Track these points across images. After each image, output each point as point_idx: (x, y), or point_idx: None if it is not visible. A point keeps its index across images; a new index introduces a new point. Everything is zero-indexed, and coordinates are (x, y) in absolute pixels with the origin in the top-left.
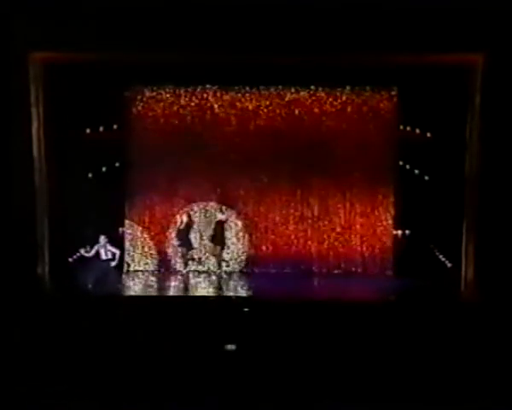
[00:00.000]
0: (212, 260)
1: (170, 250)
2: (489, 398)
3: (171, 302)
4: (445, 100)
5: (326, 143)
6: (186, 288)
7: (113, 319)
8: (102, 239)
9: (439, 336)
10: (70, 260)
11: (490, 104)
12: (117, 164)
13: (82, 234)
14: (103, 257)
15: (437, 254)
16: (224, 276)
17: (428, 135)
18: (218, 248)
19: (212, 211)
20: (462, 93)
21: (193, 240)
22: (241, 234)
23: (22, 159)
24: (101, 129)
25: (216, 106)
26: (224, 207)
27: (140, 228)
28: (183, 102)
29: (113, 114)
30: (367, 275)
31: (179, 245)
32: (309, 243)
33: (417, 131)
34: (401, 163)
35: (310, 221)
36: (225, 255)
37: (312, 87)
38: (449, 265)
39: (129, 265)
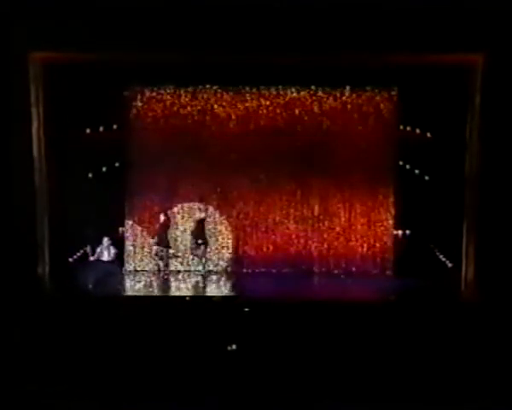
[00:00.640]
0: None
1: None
2: (489, 398)
3: (171, 302)
4: (445, 100)
5: (326, 143)
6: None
7: (113, 320)
8: (106, 241)
9: (440, 336)
10: (70, 260)
11: (490, 104)
12: (117, 164)
13: (82, 234)
14: (106, 258)
15: (437, 254)
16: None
17: (428, 135)
18: (201, 247)
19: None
20: (462, 93)
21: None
22: (240, 234)
23: (22, 159)
24: (101, 129)
25: (216, 106)
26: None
27: (140, 228)
28: (183, 102)
29: (113, 114)
30: (367, 275)
31: (157, 244)
32: (309, 242)
33: (417, 131)
34: (401, 163)
35: (310, 221)
36: (226, 256)
37: (312, 87)
38: (449, 265)
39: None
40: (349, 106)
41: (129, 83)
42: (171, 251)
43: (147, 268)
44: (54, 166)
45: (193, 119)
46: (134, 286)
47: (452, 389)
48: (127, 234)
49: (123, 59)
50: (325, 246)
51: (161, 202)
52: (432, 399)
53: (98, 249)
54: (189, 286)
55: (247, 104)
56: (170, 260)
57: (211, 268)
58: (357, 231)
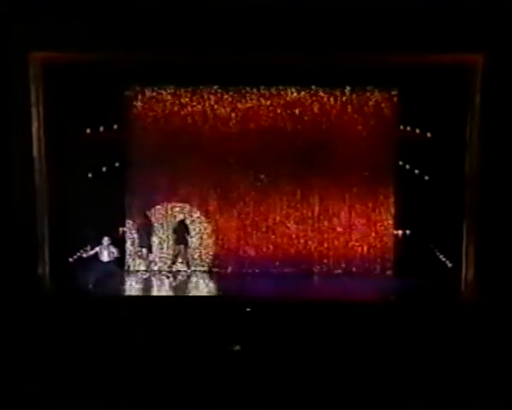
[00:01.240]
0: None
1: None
2: (489, 398)
3: (171, 302)
4: (446, 100)
5: (326, 143)
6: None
7: (113, 319)
8: (106, 240)
9: (440, 336)
10: (70, 260)
11: (490, 104)
12: (117, 164)
13: (82, 234)
14: (106, 259)
15: (437, 254)
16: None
17: (428, 135)
18: (182, 247)
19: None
20: (462, 93)
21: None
22: (240, 234)
23: (22, 159)
24: (101, 129)
25: (216, 106)
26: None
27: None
28: (183, 102)
29: (113, 114)
30: (367, 275)
31: (141, 245)
32: (309, 242)
33: (417, 131)
34: (401, 163)
35: (310, 221)
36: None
37: (312, 87)
38: (449, 265)
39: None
40: (349, 106)
41: (129, 83)
42: (151, 254)
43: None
44: (54, 166)
45: (193, 119)
46: (134, 286)
47: (452, 389)
48: (127, 234)
49: (123, 59)
50: (325, 246)
51: (161, 202)
52: (432, 399)
53: (97, 249)
54: (189, 286)
55: (247, 104)
56: (150, 262)
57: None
58: (358, 231)
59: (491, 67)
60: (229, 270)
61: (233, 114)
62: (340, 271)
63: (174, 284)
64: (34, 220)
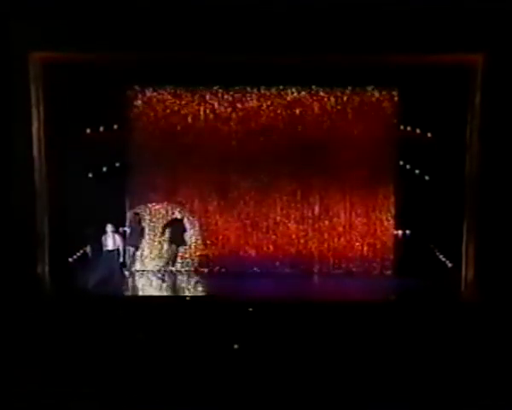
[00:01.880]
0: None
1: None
2: (489, 398)
3: (171, 302)
4: (446, 100)
5: (326, 143)
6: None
7: (113, 319)
8: (109, 228)
9: (440, 336)
10: (70, 260)
11: (490, 104)
12: (117, 164)
13: (82, 234)
14: (110, 247)
15: (437, 254)
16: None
17: (429, 135)
18: (174, 247)
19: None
20: (463, 93)
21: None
22: (241, 234)
23: (22, 159)
24: (101, 129)
25: (216, 106)
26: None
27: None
28: (183, 102)
29: (113, 114)
30: (367, 275)
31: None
32: (309, 242)
33: (418, 131)
34: (401, 163)
35: (310, 221)
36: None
37: (313, 87)
38: (449, 265)
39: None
40: (349, 106)
41: (129, 83)
42: (138, 252)
43: (148, 268)
44: (54, 166)
45: (193, 119)
46: (135, 286)
47: (452, 389)
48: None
49: (123, 59)
50: (325, 246)
51: (161, 202)
52: (432, 399)
53: (102, 238)
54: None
55: (247, 104)
56: (136, 261)
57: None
58: (358, 231)
59: (491, 67)
60: (229, 270)
61: (233, 114)
62: (340, 271)
63: (174, 284)
64: (34, 220)
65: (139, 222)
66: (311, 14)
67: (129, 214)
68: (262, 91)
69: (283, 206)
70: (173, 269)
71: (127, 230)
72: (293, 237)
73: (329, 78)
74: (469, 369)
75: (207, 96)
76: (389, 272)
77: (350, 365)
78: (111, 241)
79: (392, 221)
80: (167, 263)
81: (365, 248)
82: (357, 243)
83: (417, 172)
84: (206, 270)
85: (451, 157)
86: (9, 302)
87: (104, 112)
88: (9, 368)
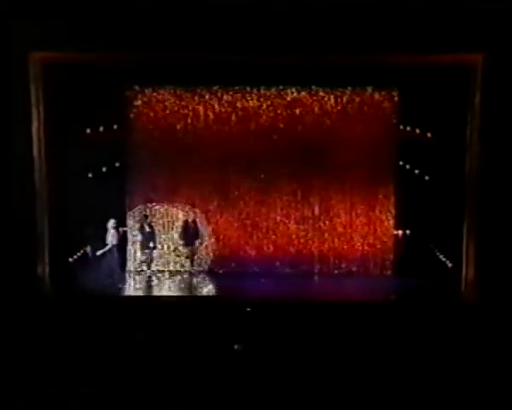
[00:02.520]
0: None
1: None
2: (489, 398)
3: (171, 302)
4: (446, 100)
5: (326, 143)
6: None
7: (113, 319)
8: (111, 223)
9: (440, 336)
10: (70, 260)
11: (490, 104)
12: (117, 164)
13: (82, 234)
14: (111, 241)
15: (437, 254)
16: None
17: (429, 135)
18: (190, 247)
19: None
20: (463, 93)
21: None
22: (241, 234)
23: (22, 159)
24: (101, 129)
25: (216, 106)
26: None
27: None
28: (183, 102)
29: (113, 114)
30: (367, 275)
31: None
32: (309, 242)
33: (417, 131)
34: (401, 163)
35: (310, 221)
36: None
37: (313, 87)
38: (449, 265)
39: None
40: (349, 106)
41: (129, 83)
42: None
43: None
44: (54, 166)
45: (193, 119)
46: (134, 286)
47: (452, 389)
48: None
49: (123, 59)
50: (325, 246)
51: (161, 202)
52: (432, 399)
53: (107, 235)
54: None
55: (247, 104)
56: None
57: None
58: (358, 231)
59: (491, 67)
60: (230, 270)
61: (233, 114)
62: (340, 271)
63: (174, 284)
64: (34, 220)
65: (150, 224)
66: (311, 14)
67: (138, 217)
68: (262, 91)
69: (283, 206)
70: (191, 269)
71: (138, 232)
72: (294, 237)
73: (329, 78)
74: (469, 369)
75: (207, 96)
76: (389, 272)
77: (350, 365)
78: (111, 237)
79: (392, 221)
80: (192, 263)
81: (365, 248)
82: (358, 243)
83: (417, 172)
84: (205, 270)
85: (451, 157)
86: (9, 302)
87: (104, 112)
88: (9, 368)
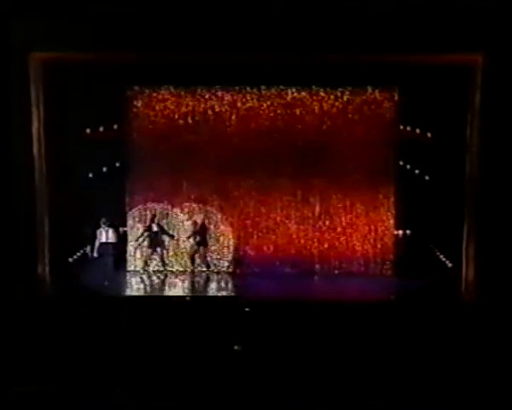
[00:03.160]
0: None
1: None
2: (489, 398)
3: (171, 302)
4: (446, 100)
5: (326, 143)
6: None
7: (113, 320)
8: (102, 221)
9: (440, 336)
10: (70, 260)
11: (490, 104)
12: (117, 164)
13: (82, 234)
14: (103, 239)
15: (437, 254)
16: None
17: (429, 135)
18: (202, 248)
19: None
20: (463, 93)
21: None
22: (241, 234)
23: (22, 159)
24: (101, 129)
25: (216, 106)
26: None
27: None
28: (183, 102)
29: (113, 114)
30: (367, 275)
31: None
32: (309, 242)
33: (418, 131)
34: (401, 163)
35: (310, 221)
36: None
37: (313, 87)
38: (449, 265)
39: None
40: (349, 106)
41: (129, 83)
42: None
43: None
44: (54, 166)
45: (193, 119)
46: (135, 286)
47: (452, 389)
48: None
49: (123, 59)
50: (325, 246)
51: (162, 202)
52: (431, 399)
53: (98, 232)
54: (190, 287)
55: (247, 104)
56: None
57: (211, 269)
58: (358, 231)
59: (490, 67)
60: (230, 270)
61: (233, 114)
62: (340, 271)
63: (174, 284)
64: (34, 220)
65: (159, 225)
66: (311, 13)
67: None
68: (262, 91)
69: (283, 206)
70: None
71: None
72: (294, 237)
73: (329, 78)
74: (469, 369)
75: (207, 96)
76: (389, 272)
77: (350, 365)
78: (105, 234)
79: (392, 221)
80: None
81: (365, 248)
82: (358, 243)
83: (417, 172)
84: (205, 270)
85: (451, 157)
86: (9, 302)
87: (104, 112)
88: (9, 368)
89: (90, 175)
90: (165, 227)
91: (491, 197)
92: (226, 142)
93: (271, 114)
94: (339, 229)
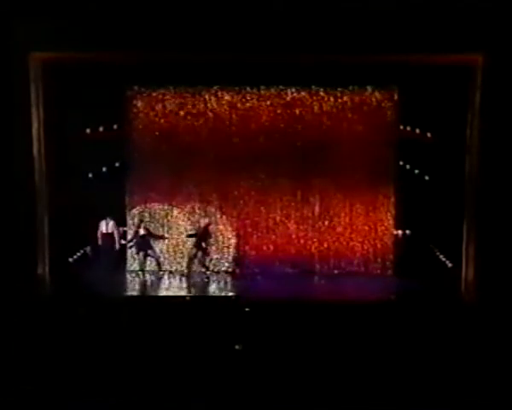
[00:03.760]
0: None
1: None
2: (489, 398)
3: (171, 302)
4: (446, 100)
5: (326, 143)
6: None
7: (113, 320)
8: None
9: (439, 336)
10: (70, 260)
11: (490, 104)
12: (117, 164)
13: (82, 234)
14: (104, 230)
15: (437, 254)
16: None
17: (429, 135)
18: (200, 253)
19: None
20: (463, 93)
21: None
22: (241, 234)
23: (22, 159)
24: (101, 129)
25: (216, 106)
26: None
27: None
28: (183, 102)
29: (113, 114)
30: (367, 275)
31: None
32: (309, 243)
33: (417, 131)
34: (401, 163)
35: (310, 221)
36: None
37: (313, 87)
38: (449, 265)
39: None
40: (349, 106)
41: (129, 83)
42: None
43: (148, 268)
44: (54, 166)
45: (193, 119)
46: (135, 286)
47: (452, 389)
48: (128, 234)
49: (123, 59)
50: (325, 246)
51: (162, 202)
52: (431, 399)
53: (100, 223)
54: (190, 286)
55: (247, 104)
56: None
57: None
58: (358, 231)
59: (490, 67)
60: (230, 270)
61: (233, 114)
62: (340, 271)
63: (174, 284)
64: (34, 220)
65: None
66: (311, 14)
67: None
68: (262, 91)
69: (283, 206)
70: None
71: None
72: (294, 237)
73: (329, 77)
74: (469, 369)
75: (207, 96)
76: (389, 272)
77: (350, 365)
78: (104, 226)
79: (392, 221)
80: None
81: (365, 248)
82: (358, 243)
83: (417, 172)
84: (205, 270)
85: (451, 157)
86: (9, 302)
87: (104, 112)
88: (9, 368)
89: (90, 175)
90: (152, 230)
91: (490, 197)
92: (226, 142)
93: (271, 114)
94: (339, 229)
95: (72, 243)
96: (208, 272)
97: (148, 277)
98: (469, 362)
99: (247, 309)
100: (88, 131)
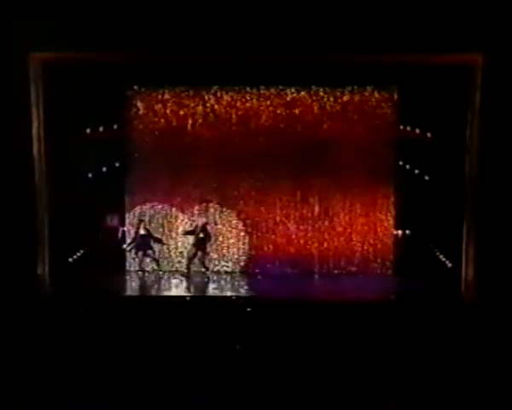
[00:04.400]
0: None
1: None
2: (489, 398)
3: (171, 302)
4: (446, 100)
5: (326, 143)
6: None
7: (113, 320)
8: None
9: (439, 336)
10: (70, 260)
11: (490, 104)
12: (117, 164)
13: (82, 234)
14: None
15: (437, 254)
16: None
17: (428, 135)
18: (200, 253)
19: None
20: (463, 93)
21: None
22: (241, 234)
23: (22, 159)
24: (101, 129)
25: (216, 106)
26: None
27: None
28: (183, 102)
29: (113, 114)
30: (367, 275)
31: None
32: (309, 243)
33: (417, 131)
34: (401, 163)
35: (310, 221)
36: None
37: (312, 87)
38: (449, 265)
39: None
40: (349, 106)
41: (129, 83)
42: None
43: (148, 268)
44: (54, 166)
45: (193, 119)
46: (135, 286)
47: (452, 388)
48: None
49: (123, 59)
50: (325, 246)
51: (162, 202)
52: (431, 398)
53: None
54: (190, 286)
55: (247, 104)
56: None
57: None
58: (358, 231)
59: (490, 67)
60: (229, 270)
61: (233, 114)
62: (339, 271)
63: (174, 284)
64: (34, 220)
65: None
66: (311, 14)
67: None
68: (262, 91)
69: (283, 206)
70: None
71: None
72: (293, 237)
73: (329, 78)
74: (469, 369)
75: (207, 96)
76: (389, 272)
77: (350, 365)
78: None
79: (392, 221)
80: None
81: (365, 248)
82: (358, 243)
83: (417, 172)
84: (205, 270)
85: (451, 157)
86: (9, 302)
87: (104, 112)
88: (9, 368)
89: (90, 175)
90: (152, 231)
91: (490, 197)
92: (226, 142)
93: (271, 114)
94: (338, 229)
95: (72, 243)
96: (208, 272)
97: (147, 277)
98: (469, 362)
99: (248, 309)
100: (88, 131)
